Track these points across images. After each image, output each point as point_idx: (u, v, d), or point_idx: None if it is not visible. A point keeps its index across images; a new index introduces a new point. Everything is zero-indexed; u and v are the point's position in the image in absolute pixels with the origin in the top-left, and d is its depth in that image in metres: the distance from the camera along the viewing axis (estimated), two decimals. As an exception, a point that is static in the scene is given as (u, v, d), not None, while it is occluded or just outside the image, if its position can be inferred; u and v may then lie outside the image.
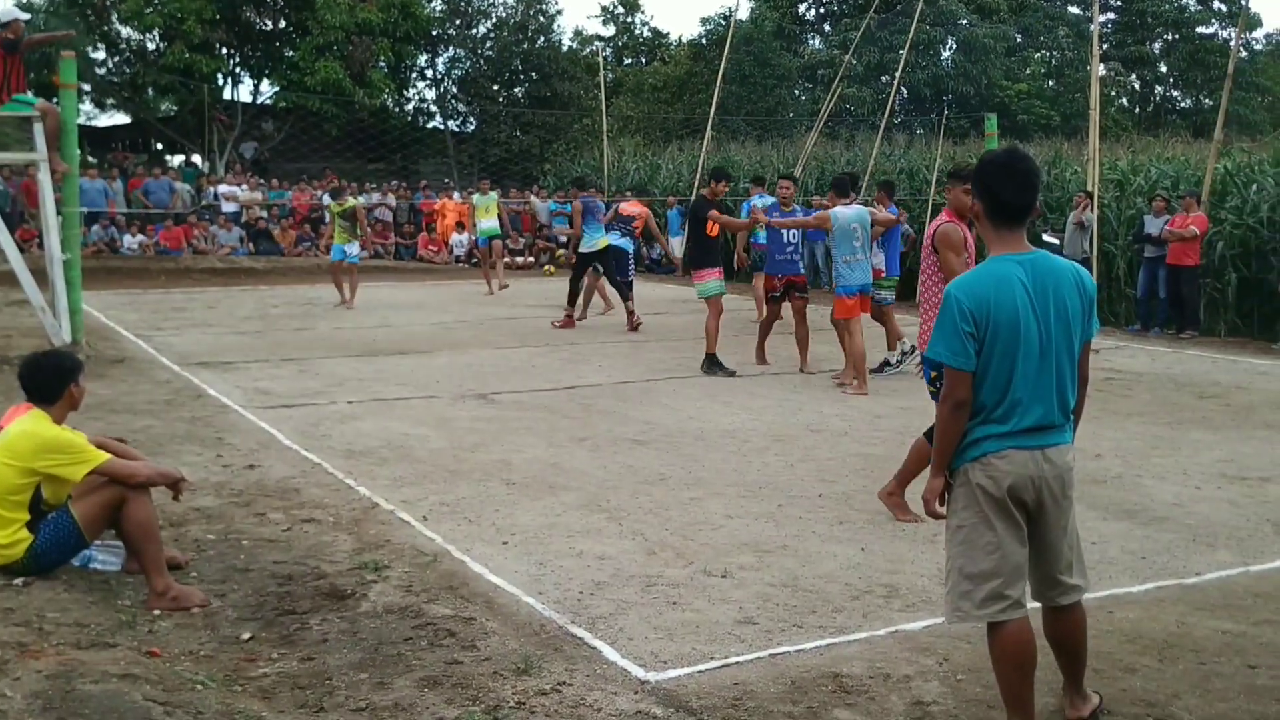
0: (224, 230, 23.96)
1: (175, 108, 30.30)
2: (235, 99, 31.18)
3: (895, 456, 7.62)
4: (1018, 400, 3.57)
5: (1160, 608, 4.89)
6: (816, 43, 44.95)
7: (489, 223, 19.01)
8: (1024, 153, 3.82)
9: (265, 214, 25.14)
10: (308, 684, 4.08)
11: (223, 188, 25.22)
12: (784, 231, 11.28)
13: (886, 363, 11.49)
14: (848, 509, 6.39)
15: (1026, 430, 3.58)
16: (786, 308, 11.54)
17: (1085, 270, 3.76)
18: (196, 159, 30.72)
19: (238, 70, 31.06)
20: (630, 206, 16.45)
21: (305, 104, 28.72)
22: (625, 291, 14.81)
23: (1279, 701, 3.98)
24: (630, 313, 14.49)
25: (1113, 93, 42.84)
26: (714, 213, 11.30)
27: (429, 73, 36.00)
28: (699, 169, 23.35)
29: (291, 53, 29.73)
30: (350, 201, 17.97)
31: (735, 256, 16.20)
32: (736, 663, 4.28)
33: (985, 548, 3.59)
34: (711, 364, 11.13)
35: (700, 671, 4.20)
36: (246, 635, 4.54)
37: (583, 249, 14.80)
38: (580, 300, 15.20)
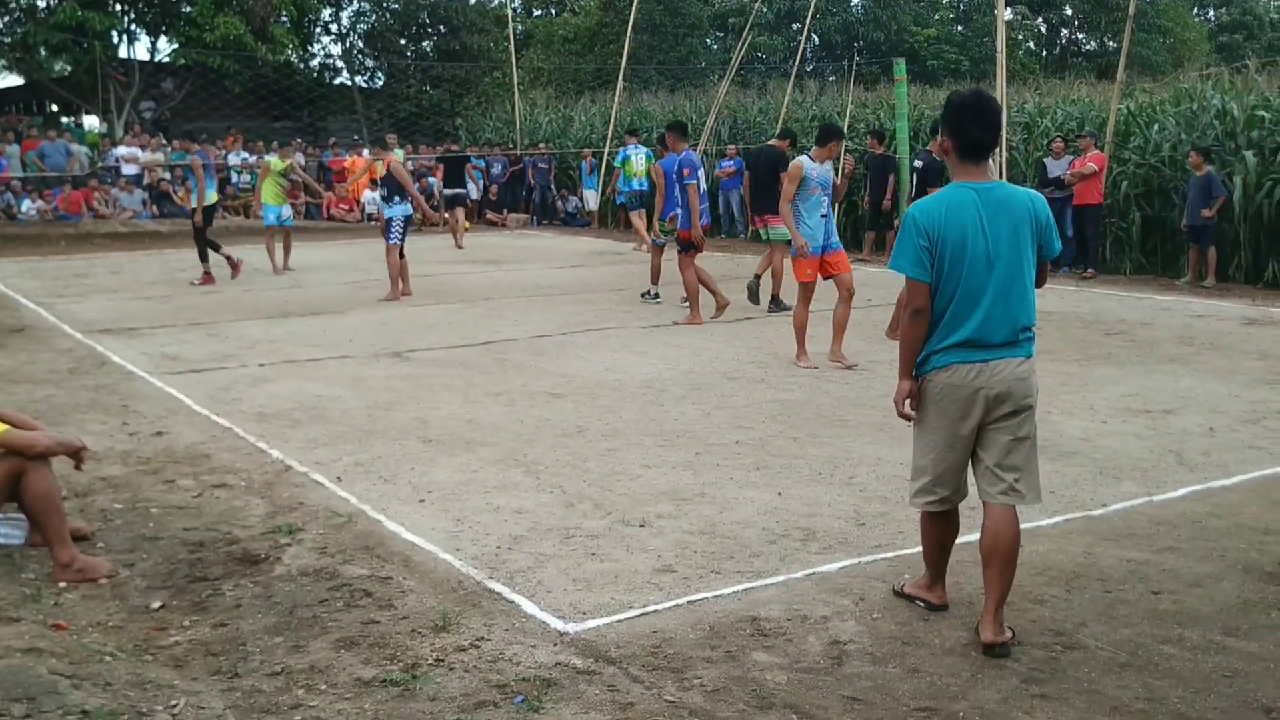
0: (125, 193, 23.31)
1: (69, 67, 29.27)
2: (132, 57, 30.19)
3: (811, 402, 7.71)
4: (964, 314, 3.93)
5: (1068, 540, 5.00)
6: (727, -9, 44.75)
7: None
8: (988, 95, 4.12)
9: (168, 175, 24.49)
10: (221, 650, 4.01)
11: (122, 149, 24.50)
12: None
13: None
14: (765, 455, 6.43)
15: (973, 344, 3.94)
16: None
17: (1040, 199, 4.06)
18: (94, 120, 29.76)
19: (133, 27, 30.04)
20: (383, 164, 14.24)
21: (205, 61, 27.90)
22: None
23: (1180, 625, 4.10)
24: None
25: (1019, 36, 43.39)
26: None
27: (334, 27, 35.27)
28: (612, 120, 23.23)
29: (189, 8, 28.81)
30: (290, 160, 17.50)
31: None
32: (655, 611, 4.29)
33: (926, 447, 4.10)
34: (776, 304, 11.82)
35: (619, 621, 4.20)
36: (157, 604, 4.44)
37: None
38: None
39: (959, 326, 3.94)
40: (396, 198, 13.18)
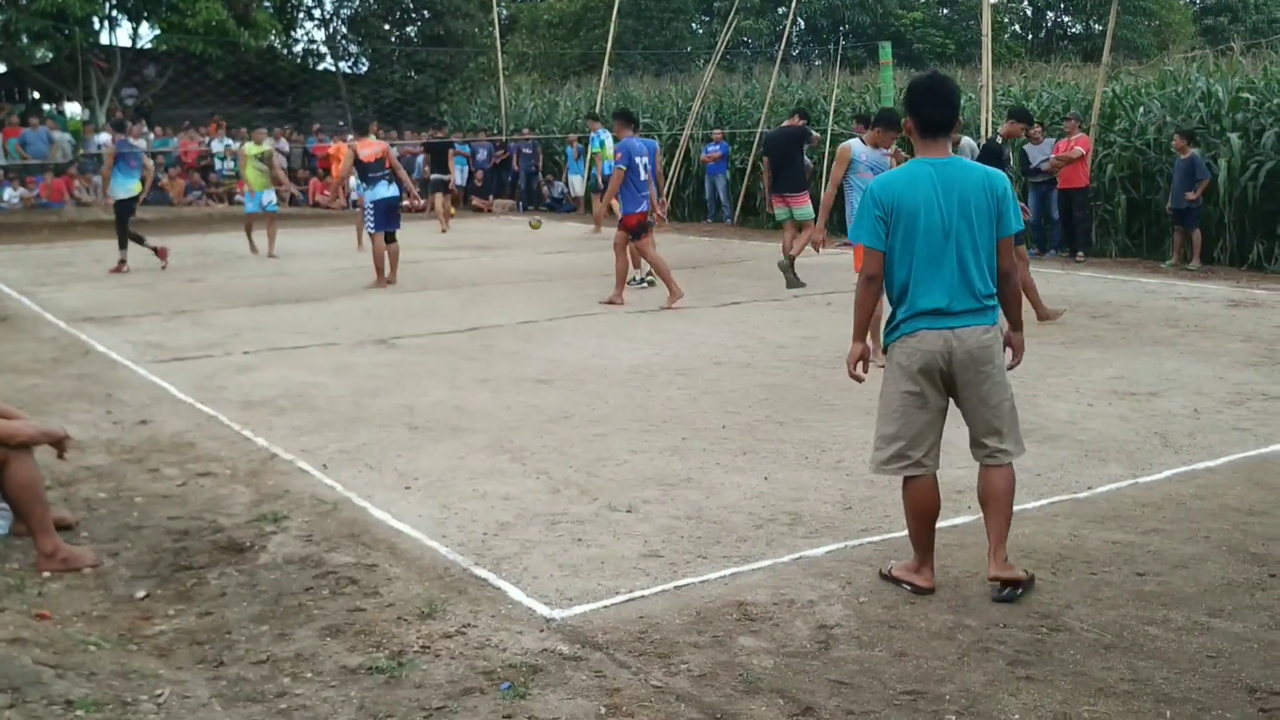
0: (108, 181, 23.14)
1: (50, 54, 29.04)
2: (113, 43, 29.98)
3: (798, 386, 7.71)
4: (924, 283, 4.14)
5: (1054, 522, 5.01)
6: (712, -26, 44.62)
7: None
8: (943, 76, 4.42)
9: (151, 163, 24.35)
10: (206, 639, 3.99)
11: (104, 137, 24.32)
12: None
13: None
14: (751, 439, 6.43)
15: (933, 312, 4.14)
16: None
17: (998, 174, 4.25)
18: (75, 107, 29.54)
19: (114, 13, 29.78)
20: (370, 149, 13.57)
21: (187, 47, 27.70)
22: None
23: (1165, 606, 4.11)
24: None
25: (1005, 19, 43.33)
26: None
27: (317, 12, 35.05)
28: (597, 105, 23.15)
29: (171, -7, 28.62)
30: (267, 144, 17.44)
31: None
32: (642, 596, 4.28)
33: (893, 414, 4.25)
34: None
35: (605, 607, 4.19)
36: (141, 593, 4.42)
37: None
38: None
39: (922, 295, 4.14)
40: (382, 183, 13.07)
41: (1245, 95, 14.63)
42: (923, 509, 4.31)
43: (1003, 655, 3.76)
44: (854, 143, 8.78)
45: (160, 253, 15.12)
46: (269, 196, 16.59)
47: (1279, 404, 7.00)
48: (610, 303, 11.46)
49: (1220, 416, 6.74)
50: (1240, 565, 4.49)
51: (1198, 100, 15.16)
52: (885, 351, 4.32)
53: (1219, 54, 18.42)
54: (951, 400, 4.28)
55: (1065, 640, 3.87)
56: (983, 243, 4.15)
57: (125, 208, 14.89)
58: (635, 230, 11.49)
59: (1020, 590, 4.18)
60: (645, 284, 12.74)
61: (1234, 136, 14.11)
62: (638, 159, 11.31)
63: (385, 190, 13.12)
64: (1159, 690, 3.51)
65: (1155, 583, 4.34)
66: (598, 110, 21.82)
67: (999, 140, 10.41)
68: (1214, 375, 7.78)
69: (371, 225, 13.13)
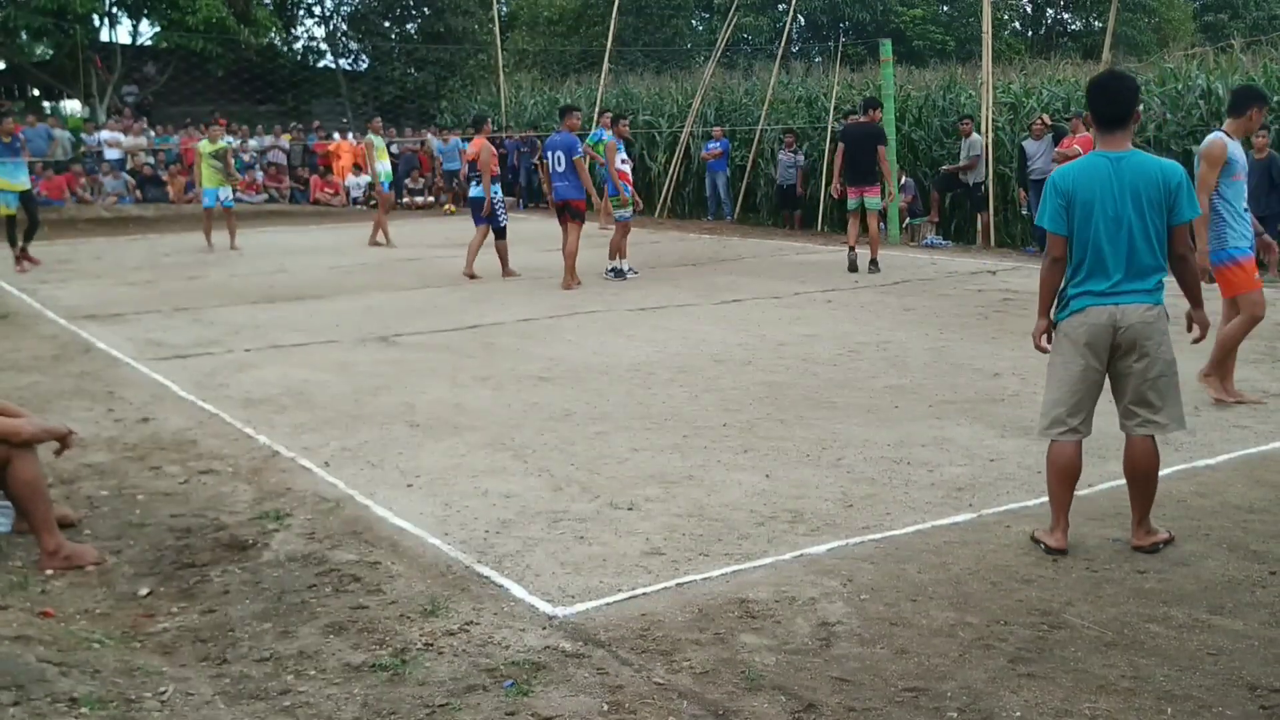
0: (110, 178, 23.17)
1: (50, 51, 29.02)
2: (114, 41, 29.96)
3: (798, 384, 7.72)
4: (1095, 264, 4.51)
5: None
6: (712, -29, 44.58)
7: (384, 165, 17.85)
8: (1119, 73, 4.89)
9: (152, 160, 24.35)
10: (209, 637, 4.00)
11: (104, 134, 24.34)
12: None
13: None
14: (752, 437, 6.43)
15: (1103, 292, 4.51)
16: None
17: (1173, 166, 4.55)
18: (75, 104, 29.53)
19: (115, 10, 29.77)
20: (472, 146, 14.04)
21: (188, 45, 27.66)
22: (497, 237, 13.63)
23: (1166, 604, 4.12)
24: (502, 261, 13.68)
25: (1005, 17, 43.28)
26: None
27: (317, 10, 35.03)
28: (598, 102, 23.14)
29: (171, -10, 28.59)
30: (223, 142, 17.55)
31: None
32: (644, 594, 4.29)
33: (1058, 382, 4.64)
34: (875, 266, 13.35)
35: (608, 604, 4.20)
36: (144, 591, 4.43)
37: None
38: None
39: (1092, 276, 4.52)
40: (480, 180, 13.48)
41: (1246, 93, 14.60)
42: (1063, 470, 4.66)
43: (1004, 652, 3.77)
44: (1222, 136, 6.84)
45: (22, 257, 14.92)
46: (225, 193, 16.96)
47: (1279, 401, 7.01)
48: (566, 288, 12.35)
49: (1221, 414, 6.75)
50: (1241, 562, 4.50)
51: (1198, 98, 15.16)
52: (1056, 327, 4.69)
53: (1219, 51, 18.41)
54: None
55: (1066, 637, 3.88)
56: (1153, 230, 4.51)
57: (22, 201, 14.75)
58: (557, 214, 12.89)
59: (1160, 547, 4.61)
60: (612, 274, 13.14)
61: (1234, 134, 14.07)
62: (548, 154, 12.72)
63: (472, 189, 13.74)
64: (1160, 687, 3.52)
65: (1156, 580, 4.35)
66: (598, 107, 21.82)
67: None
68: (1214, 373, 7.78)
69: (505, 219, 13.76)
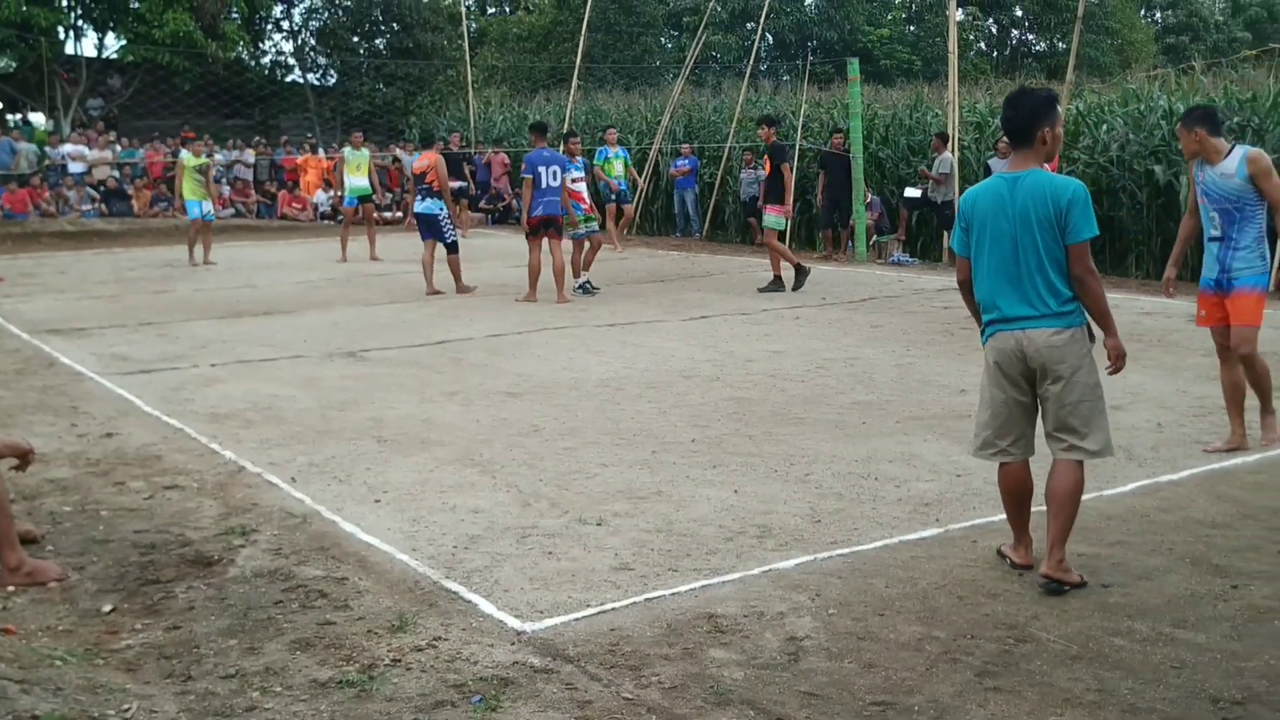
0: (74, 192, 22.97)
1: (14, 64, 28.76)
2: (79, 54, 29.73)
3: (767, 400, 7.74)
4: (996, 290, 4.48)
5: (1021, 534, 5.05)
6: (681, -11, 44.80)
7: (359, 180, 17.46)
8: (1028, 89, 4.70)
9: (117, 174, 24.16)
10: (174, 653, 3.97)
11: (68, 147, 24.14)
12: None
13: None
14: (721, 453, 6.45)
15: (1007, 318, 4.46)
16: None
17: (1067, 184, 4.41)
18: (39, 118, 29.27)
19: (80, 23, 29.59)
20: (421, 160, 13.89)
21: (154, 58, 27.49)
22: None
23: (1130, 617, 4.16)
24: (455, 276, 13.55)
25: (971, 37, 43.78)
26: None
27: (285, 24, 34.92)
28: (567, 119, 23.18)
29: (137, 4, 28.40)
30: (205, 156, 17.51)
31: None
32: (613, 609, 4.29)
33: (984, 404, 4.64)
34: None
35: (576, 619, 4.20)
36: (108, 607, 4.39)
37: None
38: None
39: (998, 301, 4.48)
40: (434, 195, 13.34)
41: (1207, 114, 14.80)
42: (1010, 490, 4.64)
43: (971, 666, 3.79)
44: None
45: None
46: (208, 206, 16.92)
47: (1240, 418, 7.09)
48: (526, 300, 12.55)
49: (1183, 430, 6.83)
50: (1203, 577, 4.55)
51: (1160, 118, 15.35)
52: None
53: (1180, 72, 18.68)
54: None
55: (1032, 651, 3.90)
56: (1049, 251, 4.39)
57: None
58: (533, 230, 12.68)
59: (1067, 589, 4.39)
60: (581, 290, 13.18)
61: (1195, 154, 14.25)
62: (542, 169, 12.54)
63: (419, 205, 13.52)
64: (1124, 701, 3.55)
65: (1120, 594, 4.39)
66: (567, 125, 21.85)
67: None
68: (1177, 389, 7.88)
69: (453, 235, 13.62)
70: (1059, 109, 4.53)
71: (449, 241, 13.40)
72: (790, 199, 13.59)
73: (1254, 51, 21.56)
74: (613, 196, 18.31)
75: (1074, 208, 4.36)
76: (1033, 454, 4.62)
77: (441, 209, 13.32)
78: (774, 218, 13.33)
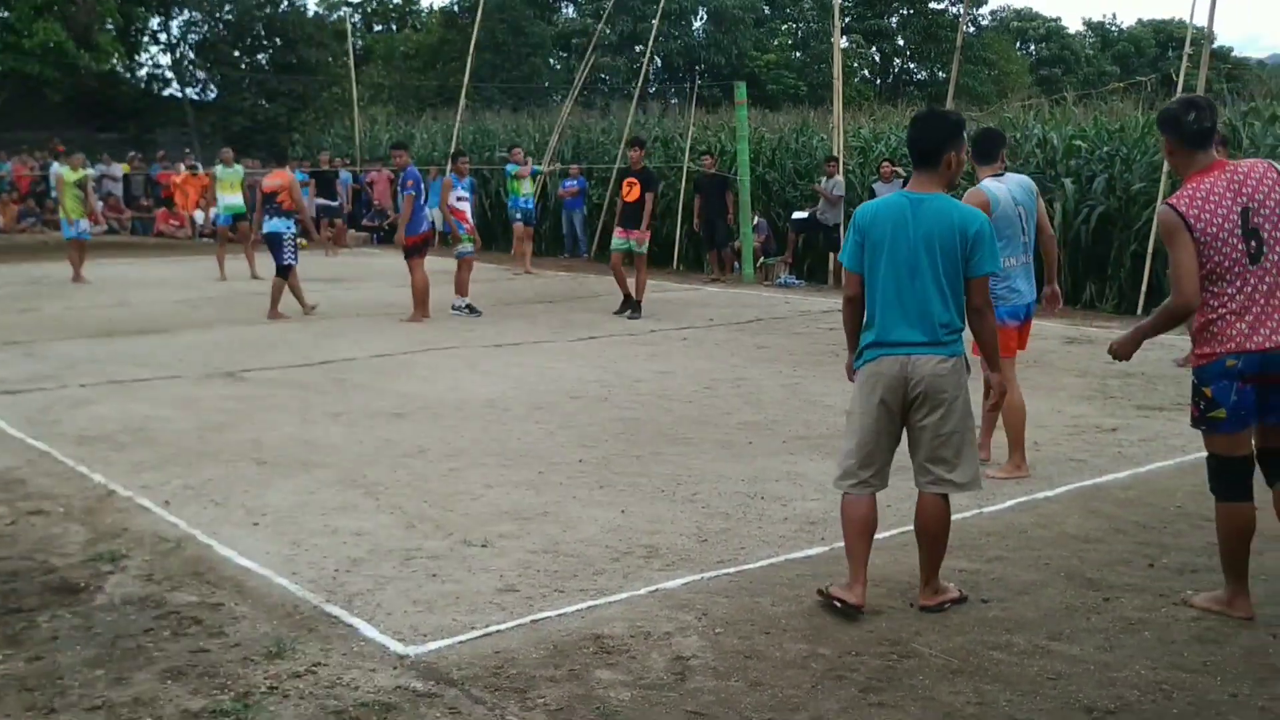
0: (-64, 205, 22.06)
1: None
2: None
3: (654, 420, 7.74)
4: (886, 311, 4.31)
5: (904, 552, 5.09)
6: (570, 11, 45.05)
7: (233, 198, 17.15)
8: (938, 110, 4.70)
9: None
10: (36, 685, 3.78)
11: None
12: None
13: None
14: (608, 473, 6.42)
15: (894, 342, 4.30)
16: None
17: (974, 215, 4.31)
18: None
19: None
20: (272, 179, 13.45)
21: (22, 68, 26.55)
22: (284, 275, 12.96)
23: (1009, 631, 4.24)
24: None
25: (855, 64, 44.74)
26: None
27: (163, 36, 34.11)
28: (454, 138, 23.02)
29: (6, 13, 27.43)
30: (83, 171, 16.95)
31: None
32: (498, 631, 4.23)
33: (852, 431, 4.45)
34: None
35: (461, 642, 4.12)
36: (-35, 639, 4.18)
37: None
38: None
39: (886, 323, 4.31)
40: (282, 215, 12.89)
41: (1078, 143, 15.36)
42: (855, 523, 4.42)
43: (855, 682, 3.82)
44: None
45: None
46: (84, 224, 16.39)
47: (1111, 436, 7.32)
48: (413, 320, 12.41)
49: (1058, 448, 7.01)
50: (1077, 590, 4.66)
51: (1035, 146, 15.86)
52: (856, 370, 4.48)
53: (1054, 103, 19.33)
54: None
55: (915, 666, 3.95)
56: (947, 280, 4.27)
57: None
58: (415, 249, 12.55)
59: (948, 607, 4.42)
60: (464, 310, 13.06)
61: (1068, 182, 14.77)
62: (420, 187, 12.49)
63: (267, 224, 13.02)
64: (1004, 712, 3.61)
65: (999, 609, 4.47)
66: (454, 144, 21.70)
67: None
68: (1052, 409, 8.10)
69: (292, 258, 12.99)
70: (965, 136, 4.44)
71: (284, 264, 12.81)
72: (648, 223, 13.31)
73: (1121, 84, 22.45)
74: (518, 216, 18.34)
75: (981, 241, 4.27)
76: (886, 487, 4.49)
77: (288, 228, 12.84)
78: (619, 240, 13.25)
